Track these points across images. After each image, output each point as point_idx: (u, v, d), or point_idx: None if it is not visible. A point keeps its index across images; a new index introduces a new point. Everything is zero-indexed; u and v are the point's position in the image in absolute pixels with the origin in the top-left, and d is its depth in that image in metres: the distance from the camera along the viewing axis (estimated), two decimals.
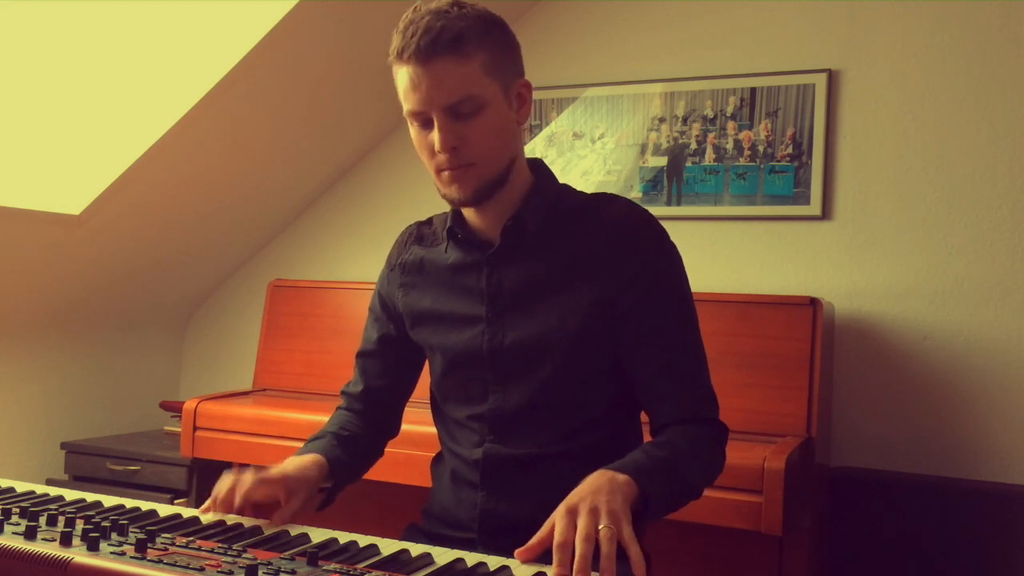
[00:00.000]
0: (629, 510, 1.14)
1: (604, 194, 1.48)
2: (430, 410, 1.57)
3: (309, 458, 1.43)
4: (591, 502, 1.12)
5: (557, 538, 1.09)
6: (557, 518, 1.12)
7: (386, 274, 1.58)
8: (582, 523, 1.09)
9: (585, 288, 1.37)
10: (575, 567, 1.05)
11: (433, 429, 1.57)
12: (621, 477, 1.18)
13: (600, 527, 1.09)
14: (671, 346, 1.38)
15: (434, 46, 1.28)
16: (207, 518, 1.27)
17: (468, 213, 1.44)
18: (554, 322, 1.37)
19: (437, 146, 1.32)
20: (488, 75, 1.32)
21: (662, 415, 1.39)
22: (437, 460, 1.56)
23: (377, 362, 1.58)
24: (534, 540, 1.12)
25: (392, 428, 1.63)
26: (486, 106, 1.32)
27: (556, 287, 1.39)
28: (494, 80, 1.33)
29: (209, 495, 1.33)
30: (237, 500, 1.29)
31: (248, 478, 1.31)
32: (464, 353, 1.43)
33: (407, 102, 1.34)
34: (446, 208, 1.48)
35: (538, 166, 1.47)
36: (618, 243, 1.38)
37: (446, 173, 1.35)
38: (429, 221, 1.57)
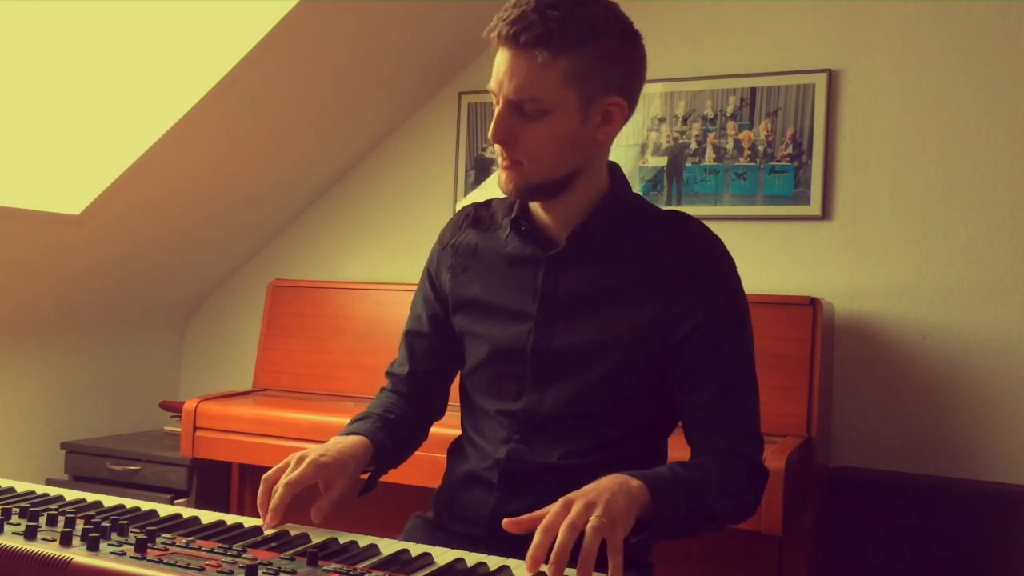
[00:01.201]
0: (631, 514, 1.12)
1: (678, 212, 1.43)
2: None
3: (353, 440, 1.38)
4: (591, 496, 1.10)
5: (545, 521, 1.07)
6: (554, 504, 1.10)
7: (436, 251, 1.53)
8: (573, 511, 1.08)
9: (645, 305, 1.34)
10: (552, 555, 1.03)
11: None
12: (634, 482, 1.15)
13: (590, 519, 1.06)
14: (725, 379, 1.34)
15: (516, 38, 1.25)
16: (207, 518, 1.27)
17: (535, 207, 1.40)
18: (607, 333, 1.34)
19: (489, 133, 1.31)
20: (567, 84, 1.26)
21: (703, 445, 1.35)
22: (455, 448, 1.51)
23: (425, 342, 1.53)
24: (527, 516, 1.10)
25: (438, 410, 1.59)
26: (551, 113, 1.27)
27: (614, 299, 1.35)
28: (572, 90, 1.27)
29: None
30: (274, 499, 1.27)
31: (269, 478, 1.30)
32: (506, 348, 1.40)
33: (492, 76, 1.31)
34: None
35: (614, 171, 1.42)
36: (686, 266, 1.35)
37: (500, 159, 1.34)
38: (488, 204, 1.52)
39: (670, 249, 1.37)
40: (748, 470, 1.34)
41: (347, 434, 1.42)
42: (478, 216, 1.51)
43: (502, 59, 1.28)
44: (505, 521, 1.11)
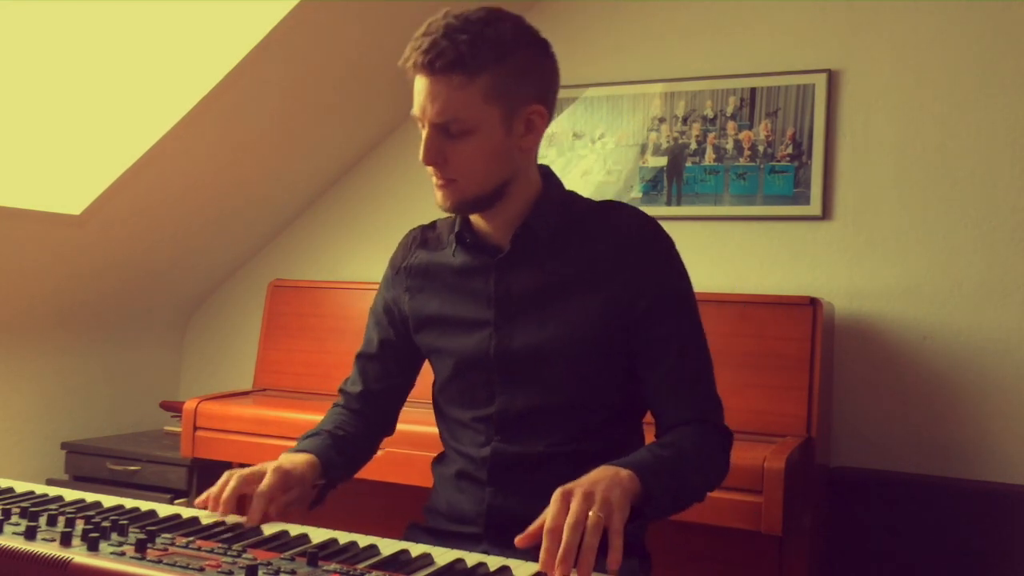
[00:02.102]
0: (627, 503, 1.14)
1: (612, 202, 1.48)
2: (430, 410, 1.56)
3: (303, 457, 1.43)
4: (587, 488, 1.13)
5: (548, 523, 1.10)
6: (551, 502, 1.12)
7: (390, 277, 1.58)
8: (573, 508, 1.10)
9: (595, 294, 1.38)
10: (558, 555, 1.06)
11: (433, 429, 1.57)
12: (624, 472, 1.18)
13: (590, 513, 1.09)
14: (679, 352, 1.39)
15: (432, 65, 1.29)
16: (207, 518, 1.27)
17: (475, 218, 1.45)
18: (563, 327, 1.38)
19: (420, 156, 1.34)
20: (487, 101, 1.31)
21: (668, 418, 1.40)
22: (439, 460, 1.55)
23: (377, 365, 1.58)
24: (533, 526, 1.12)
25: (387, 428, 1.63)
26: (476, 131, 1.32)
27: (565, 293, 1.39)
28: (494, 106, 1.32)
29: (209, 495, 1.33)
30: (227, 495, 1.30)
31: (244, 477, 1.32)
32: (471, 357, 1.43)
33: (414, 104, 1.35)
34: (441, 212, 1.49)
35: (546, 173, 1.47)
36: (629, 251, 1.39)
37: (433, 179, 1.38)
38: (433, 225, 1.57)
39: (610, 238, 1.41)
40: (716, 436, 1.39)
41: (297, 451, 1.46)
42: (425, 237, 1.56)
43: (421, 86, 1.32)
44: (517, 540, 1.12)
